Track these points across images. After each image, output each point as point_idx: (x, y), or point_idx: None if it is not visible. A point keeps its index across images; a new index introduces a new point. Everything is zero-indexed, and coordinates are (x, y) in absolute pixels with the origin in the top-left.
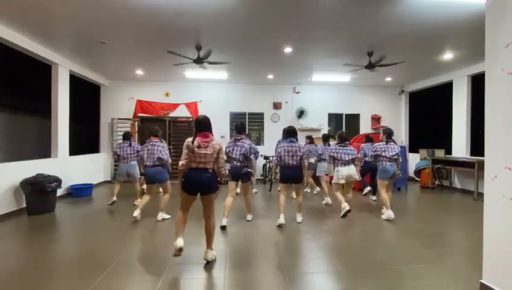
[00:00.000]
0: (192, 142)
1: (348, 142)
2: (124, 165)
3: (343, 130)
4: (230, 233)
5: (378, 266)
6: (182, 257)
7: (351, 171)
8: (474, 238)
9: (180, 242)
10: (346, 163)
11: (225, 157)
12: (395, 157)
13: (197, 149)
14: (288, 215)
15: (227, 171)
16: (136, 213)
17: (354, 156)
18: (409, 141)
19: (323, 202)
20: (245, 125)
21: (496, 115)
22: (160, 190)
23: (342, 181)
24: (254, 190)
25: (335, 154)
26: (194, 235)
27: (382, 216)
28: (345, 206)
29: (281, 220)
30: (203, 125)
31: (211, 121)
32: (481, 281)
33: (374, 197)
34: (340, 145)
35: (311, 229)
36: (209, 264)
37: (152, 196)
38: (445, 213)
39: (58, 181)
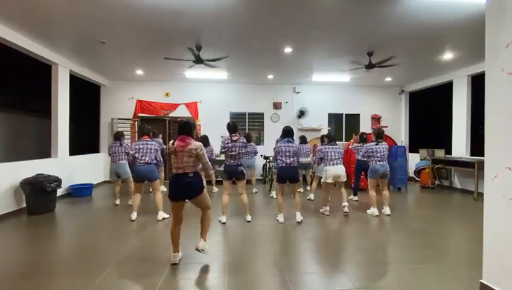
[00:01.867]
0: (173, 144)
1: (335, 142)
2: (112, 165)
3: (343, 130)
4: (230, 233)
5: (378, 266)
6: (182, 257)
7: (340, 171)
8: (474, 238)
9: (174, 259)
10: (335, 162)
11: (207, 160)
12: (385, 156)
13: (173, 155)
14: (288, 215)
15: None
16: (133, 217)
17: (342, 154)
18: (409, 141)
19: (307, 198)
20: (236, 124)
21: (495, 115)
22: (151, 189)
23: (330, 180)
24: (254, 190)
25: (323, 154)
26: (193, 235)
27: (368, 211)
28: (327, 210)
29: (281, 219)
30: (181, 129)
31: (212, 121)
32: (481, 281)
33: (356, 198)
34: (329, 144)
35: (311, 229)
36: (208, 265)
37: (141, 194)
38: (445, 213)
39: (58, 181)
